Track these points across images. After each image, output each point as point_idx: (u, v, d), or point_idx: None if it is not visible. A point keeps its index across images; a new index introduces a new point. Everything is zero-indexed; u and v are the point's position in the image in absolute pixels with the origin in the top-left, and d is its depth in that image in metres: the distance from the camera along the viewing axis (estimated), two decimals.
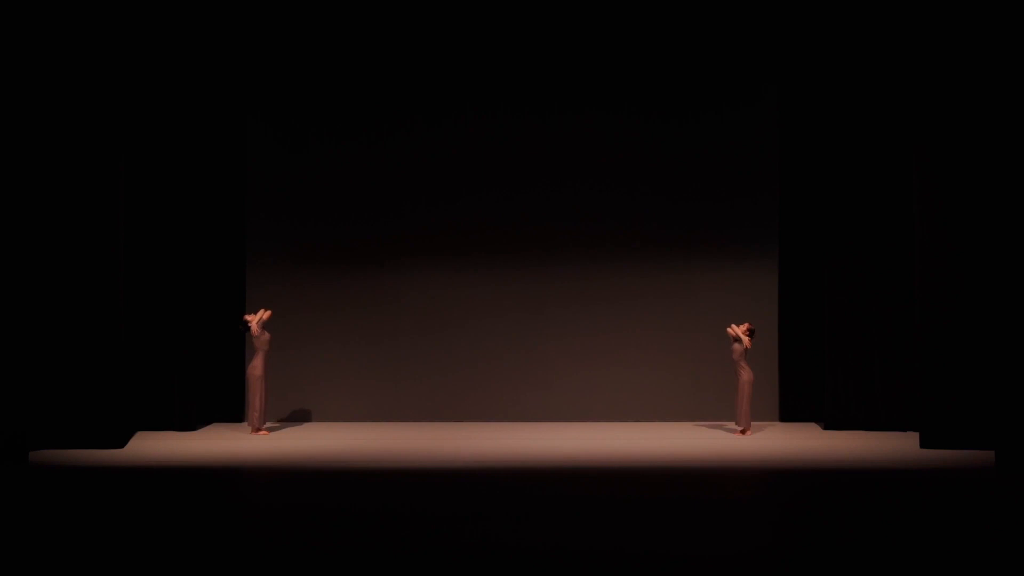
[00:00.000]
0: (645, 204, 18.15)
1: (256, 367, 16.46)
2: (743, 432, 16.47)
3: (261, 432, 16.49)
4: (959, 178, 15.05)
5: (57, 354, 15.16)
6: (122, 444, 15.51)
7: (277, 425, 17.32)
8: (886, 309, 16.87)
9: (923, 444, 15.17)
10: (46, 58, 15.10)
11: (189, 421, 17.12)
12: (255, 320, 16.60)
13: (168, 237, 16.96)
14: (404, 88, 18.24)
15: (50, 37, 15.13)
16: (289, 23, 17.75)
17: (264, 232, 18.28)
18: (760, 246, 18.06)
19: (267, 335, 16.60)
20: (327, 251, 18.33)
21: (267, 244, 18.29)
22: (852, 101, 16.93)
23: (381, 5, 17.60)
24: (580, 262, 18.22)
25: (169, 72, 16.86)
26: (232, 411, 17.89)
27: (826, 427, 17.15)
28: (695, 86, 18.09)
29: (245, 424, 17.19)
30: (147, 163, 16.73)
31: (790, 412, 17.94)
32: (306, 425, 17.59)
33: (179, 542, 10.12)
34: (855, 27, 16.75)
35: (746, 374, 16.48)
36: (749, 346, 16.54)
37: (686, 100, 18.13)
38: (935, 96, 15.17)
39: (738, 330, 16.61)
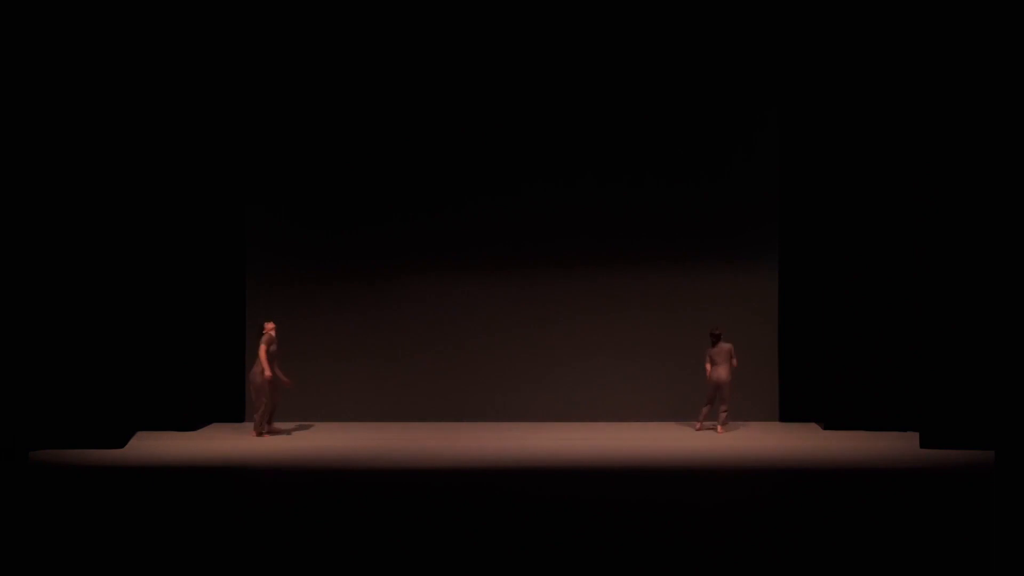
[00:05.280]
0: (647, 203, 18.16)
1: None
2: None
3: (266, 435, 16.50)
4: (959, 178, 15.05)
5: (57, 354, 15.16)
6: (122, 444, 15.51)
7: (281, 426, 17.31)
8: (886, 309, 16.86)
9: (923, 444, 15.17)
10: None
11: (189, 421, 17.14)
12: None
13: (168, 237, 16.95)
14: (405, 97, 18.28)
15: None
16: (290, 28, 17.81)
17: (265, 234, 18.29)
18: (761, 247, 18.06)
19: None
20: (328, 252, 18.34)
21: (268, 245, 18.30)
22: (851, 104, 16.92)
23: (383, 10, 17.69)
24: (581, 263, 18.22)
25: (172, 65, 16.85)
26: (232, 411, 17.90)
27: (826, 427, 17.16)
28: (697, 92, 18.10)
29: (246, 424, 17.20)
30: (148, 163, 16.68)
31: (790, 412, 17.95)
32: (306, 425, 17.58)
33: (179, 542, 10.12)
34: (853, 38, 16.75)
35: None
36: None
37: (689, 105, 18.13)
38: (934, 97, 15.18)
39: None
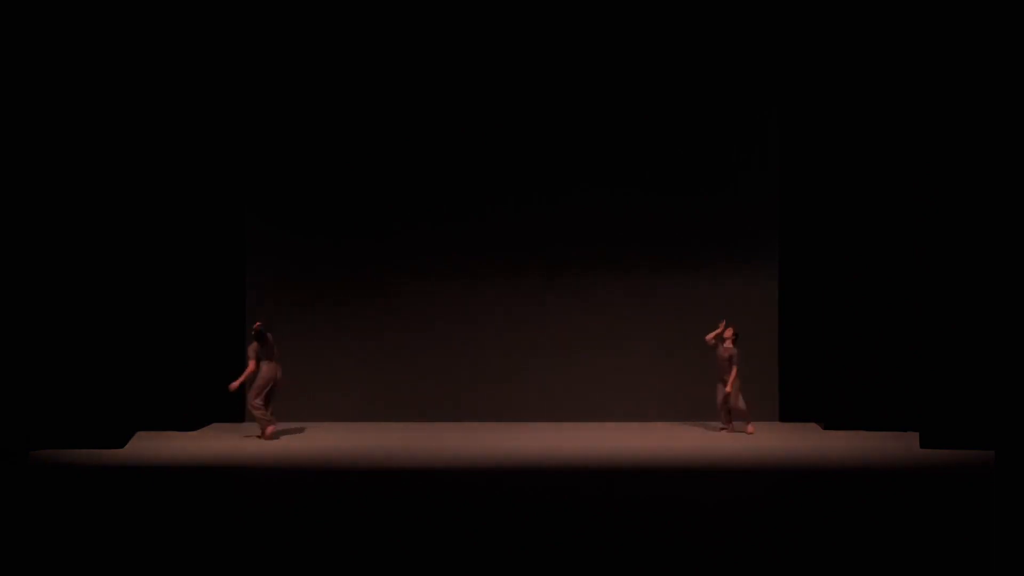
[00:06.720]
0: (647, 204, 18.16)
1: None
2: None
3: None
4: (959, 179, 15.06)
5: (57, 354, 15.16)
6: (122, 444, 15.52)
7: (281, 426, 17.31)
8: (886, 310, 16.86)
9: (923, 444, 15.18)
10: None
11: (189, 421, 17.14)
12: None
13: (169, 239, 16.95)
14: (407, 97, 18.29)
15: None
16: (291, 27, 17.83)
17: (265, 233, 18.28)
18: (761, 247, 18.06)
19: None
20: (327, 252, 18.33)
21: (267, 245, 18.30)
22: (851, 106, 16.91)
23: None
24: (582, 266, 18.22)
25: (173, 72, 16.85)
26: (232, 411, 17.90)
27: (826, 427, 17.17)
28: (698, 95, 18.10)
29: (246, 425, 17.21)
30: (150, 167, 16.67)
31: (790, 412, 17.95)
32: (306, 425, 17.59)
33: (179, 542, 10.12)
34: (854, 40, 16.76)
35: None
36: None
37: (689, 108, 18.13)
38: (933, 99, 15.20)
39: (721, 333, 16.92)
